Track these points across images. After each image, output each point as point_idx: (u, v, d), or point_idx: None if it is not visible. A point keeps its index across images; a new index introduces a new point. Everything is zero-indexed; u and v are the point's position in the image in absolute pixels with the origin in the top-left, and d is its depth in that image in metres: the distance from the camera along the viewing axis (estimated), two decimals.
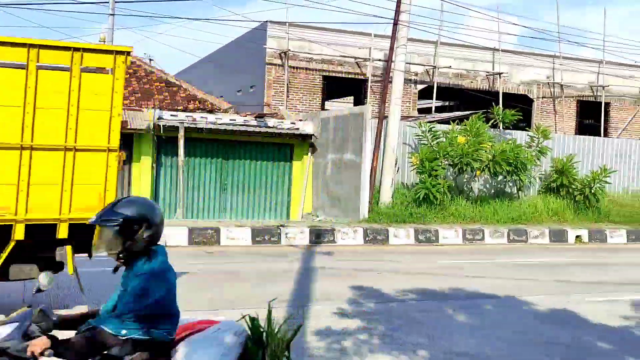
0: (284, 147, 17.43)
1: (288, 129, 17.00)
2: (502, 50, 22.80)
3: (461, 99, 25.89)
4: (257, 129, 16.64)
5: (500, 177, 17.88)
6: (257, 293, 8.40)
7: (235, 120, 16.66)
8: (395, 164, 16.67)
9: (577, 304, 8.60)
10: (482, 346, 6.44)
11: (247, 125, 16.53)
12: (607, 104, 24.51)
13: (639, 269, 12.21)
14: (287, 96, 20.19)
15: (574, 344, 6.67)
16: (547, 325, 7.42)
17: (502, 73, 22.58)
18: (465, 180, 17.87)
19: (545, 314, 8.02)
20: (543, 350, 6.39)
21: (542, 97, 24.01)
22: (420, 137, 17.23)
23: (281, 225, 14.19)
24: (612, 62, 24.69)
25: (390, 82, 16.52)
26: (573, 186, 18.08)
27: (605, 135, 23.76)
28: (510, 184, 18.47)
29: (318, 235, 13.98)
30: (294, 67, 20.40)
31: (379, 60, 20.72)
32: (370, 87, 20.89)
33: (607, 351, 6.48)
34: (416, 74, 21.74)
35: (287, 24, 20.09)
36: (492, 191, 18.40)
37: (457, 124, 17.81)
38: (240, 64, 22.21)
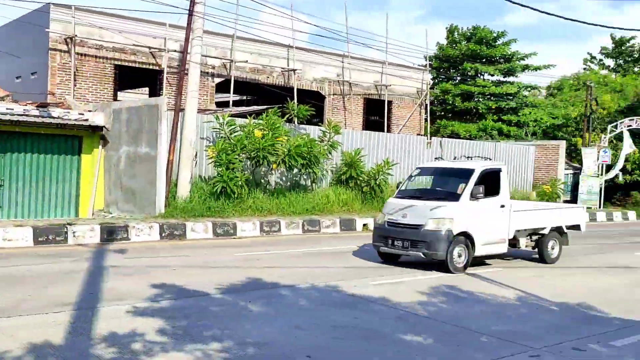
0: (72, 139, 16.23)
1: (76, 119, 15.87)
2: (296, 48, 23.60)
3: (258, 94, 26.34)
4: (40, 120, 15.28)
5: (295, 170, 18.51)
6: (36, 297, 7.74)
7: (13, 109, 15.13)
8: (195, 156, 16.45)
9: (364, 287, 9.24)
10: (276, 334, 6.62)
11: (27, 115, 15.09)
12: (390, 102, 26.62)
13: None
14: (75, 85, 18.85)
15: (360, 325, 7.14)
16: (337, 310, 7.85)
17: (296, 70, 23.38)
18: (262, 173, 18.22)
19: (337, 299, 8.49)
20: (332, 334, 6.75)
21: (333, 94, 25.33)
22: (217, 130, 17.20)
23: (68, 224, 13.24)
24: (393, 64, 26.86)
25: (187, 74, 16.24)
26: (360, 178, 19.38)
27: (389, 131, 25.79)
28: (305, 177, 19.23)
29: (110, 233, 13.28)
30: (82, 54, 19.10)
31: (175, 51, 20.25)
32: (166, 78, 20.33)
33: (387, 333, 7.03)
34: (213, 67, 21.63)
35: (72, 7, 18.74)
36: (288, 184, 19.01)
37: (254, 118, 18.08)
38: (20, 48, 20.21)
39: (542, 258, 12.63)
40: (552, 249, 12.72)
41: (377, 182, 19.41)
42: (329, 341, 6.52)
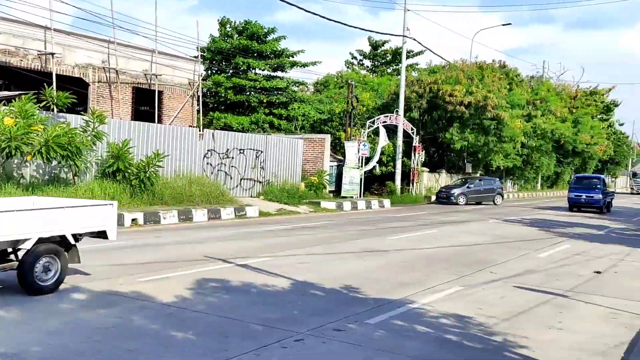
0: None
1: None
2: (55, 30, 21.70)
3: (10, 79, 23.70)
4: None
5: (54, 163, 17.03)
6: None
7: None
8: None
9: (131, 285, 8.78)
10: (29, 343, 5.95)
11: None
12: (161, 92, 25.84)
13: (188, 247, 13.18)
14: None
15: (125, 325, 6.74)
16: (100, 310, 7.33)
17: (54, 53, 21.51)
18: (15, 165, 16.44)
19: (101, 299, 7.93)
20: (94, 337, 6.27)
21: (99, 82, 23.83)
22: None
23: None
24: (164, 53, 26.10)
25: None
26: (129, 171, 18.48)
27: (160, 121, 25.02)
28: (66, 170, 17.79)
29: None
30: None
31: None
32: None
33: (154, 331, 6.74)
34: None
35: None
36: (46, 177, 17.41)
37: (5, 104, 16.21)
38: None
39: (29, 287, 7.88)
40: (46, 271, 8.04)
41: (147, 175, 18.69)
42: (88, 345, 6.04)
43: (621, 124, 73.18)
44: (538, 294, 9.51)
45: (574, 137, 49.30)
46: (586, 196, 30.12)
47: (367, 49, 51.40)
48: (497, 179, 37.00)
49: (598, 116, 59.89)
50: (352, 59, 53.03)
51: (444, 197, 32.17)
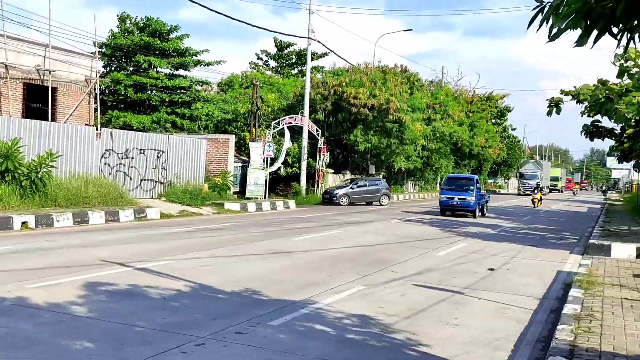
0: None
1: None
2: None
3: None
4: None
5: None
6: None
7: None
8: None
9: (20, 291, 8.25)
10: None
11: None
12: (55, 89, 24.58)
13: (83, 251, 12.59)
14: None
15: (12, 334, 6.32)
16: None
17: None
18: None
19: None
20: None
21: None
22: None
23: None
24: (58, 48, 24.85)
25: None
26: (19, 171, 17.44)
27: (53, 120, 23.79)
28: None
29: None
30: None
31: None
32: None
33: (45, 340, 6.38)
34: None
35: None
36: None
37: None
38: None
39: None
40: None
41: (39, 176, 17.70)
42: None
43: (513, 129, 77.55)
44: (436, 292, 9.83)
45: (471, 140, 51.64)
46: (459, 199, 27.58)
47: (272, 49, 51.45)
48: (383, 179, 37.82)
49: (492, 120, 63.03)
50: (257, 59, 52.88)
51: (327, 198, 32.58)
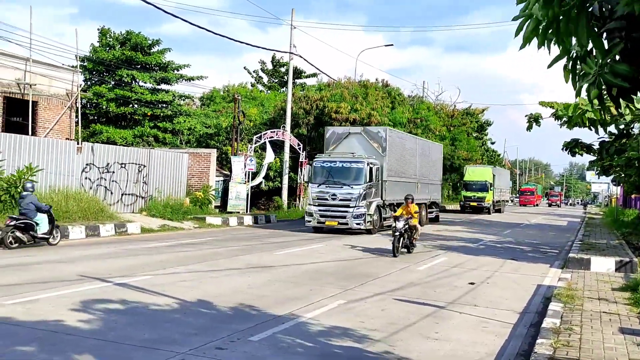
0: None
1: None
2: None
3: None
4: None
5: None
6: None
7: None
8: None
9: None
10: None
11: None
12: (35, 103, 24.40)
13: (63, 266, 12.45)
14: None
15: None
16: None
17: None
18: None
19: None
20: None
21: None
22: None
23: None
24: (39, 62, 24.70)
25: None
26: None
27: (34, 134, 23.59)
28: None
29: None
30: None
31: None
32: None
33: (21, 357, 6.30)
34: None
35: None
36: None
37: None
38: None
39: None
40: None
41: (19, 190, 17.51)
42: None
43: (492, 143, 78.08)
44: (417, 306, 9.86)
45: (452, 154, 51.93)
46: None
47: (269, 66, 52.05)
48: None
49: (474, 135, 63.56)
50: (253, 76, 53.28)
51: None
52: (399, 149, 26.51)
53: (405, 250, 16.98)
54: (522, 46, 3.55)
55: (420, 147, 30.45)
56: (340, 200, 22.71)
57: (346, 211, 22.59)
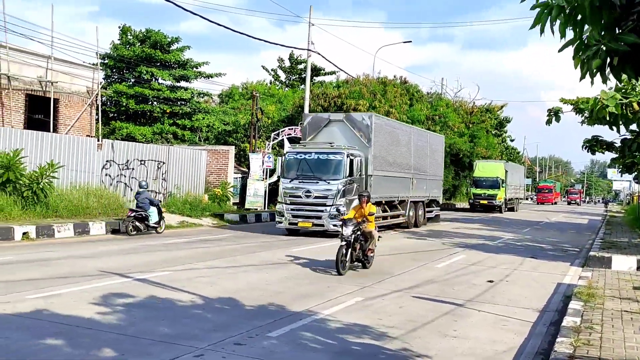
0: None
1: None
2: None
3: None
4: None
5: None
6: None
7: None
8: None
9: (19, 302, 8.27)
10: None
11: None
12: (57, 100, 24.68)
13: (84, 261, 12.60)
14: None
15: (5, 346, 6.32)
16: None
17: None
18: None
19: None
20: None
21: None
22: None
23: None
24: (60, 59, 24.98)
25: None
26: (21, 182, 17.51)
27: (55, 131, 23.88)
28: None
29: None
30: None
31: None
32: None
33: (40, 351, 6.38)
34: None
35: None
36: None
37: None
38: None
39: None
40: None
41: (41, 187, 17.76)
42: None
43: (512, 140, 77.29)
44: (435, 304, 9.82)
45: (471, 151, 51.60)
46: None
47: (287, 63, 52.27)
48: None
49: (493, 132, 63.08)
50: (271, 73, 53.52)
51: None
52: (388, 139, 22.83)
53: (359, 264, 13.02)
54: (532, 26, 3.61)
55: (416, 137, 26.47)
56: (316, 197, 19.53)
57: (322, 210, 19.48)
